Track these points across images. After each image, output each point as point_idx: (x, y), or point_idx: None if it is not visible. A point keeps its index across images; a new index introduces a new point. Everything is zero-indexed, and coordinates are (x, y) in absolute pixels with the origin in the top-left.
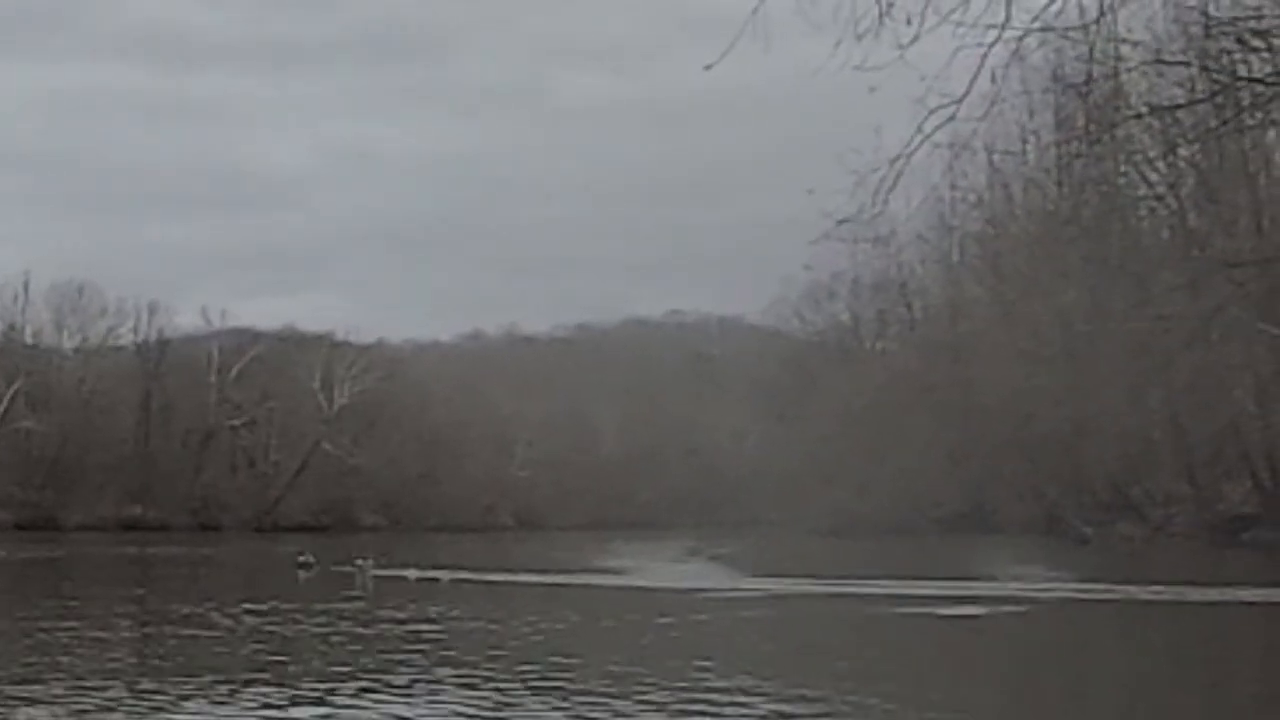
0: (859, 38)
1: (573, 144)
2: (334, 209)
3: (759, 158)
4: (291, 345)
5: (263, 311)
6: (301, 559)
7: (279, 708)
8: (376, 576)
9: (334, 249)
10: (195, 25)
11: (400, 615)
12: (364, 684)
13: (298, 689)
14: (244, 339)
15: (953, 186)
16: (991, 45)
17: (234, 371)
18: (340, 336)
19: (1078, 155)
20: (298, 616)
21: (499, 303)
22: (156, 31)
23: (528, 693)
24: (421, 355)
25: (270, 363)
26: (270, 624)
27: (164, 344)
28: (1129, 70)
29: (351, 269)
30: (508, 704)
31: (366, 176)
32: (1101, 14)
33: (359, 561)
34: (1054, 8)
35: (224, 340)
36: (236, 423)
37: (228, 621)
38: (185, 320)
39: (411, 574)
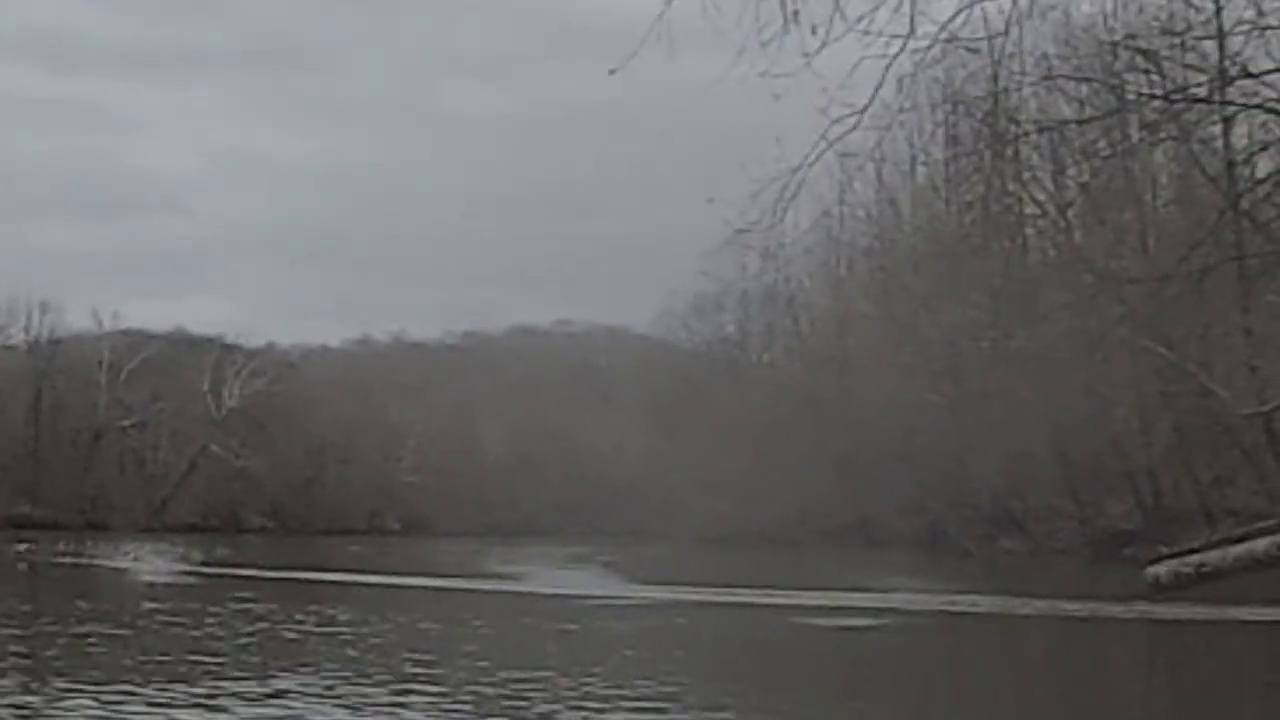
0: (764, 44)
1: (461, 154)
2: (224, 214)
3: (648, 169)
4: (182, 347)
5: (153, 314)
6: (22, 550)
7: None
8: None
9: (224, 253)
10: (85, 29)
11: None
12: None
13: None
14: (135, 340)
15: (841, 201)
16: (895, 56)
17: (124, 372)
18: (230, 340)
19: (975, 171)
20: None
21: (387, 309)
22: (46, 34)
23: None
24: (310, 360)
25: (160, 364)
26: None
27: (55, 344)
28: (1031, 84)
29: (241, 273)
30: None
31: (255, 183)
32: (1007, 29)
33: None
34: (957, 21)
35: (115, 341)
36: (126, 423)
37: None
38: (76, 321)
39: None
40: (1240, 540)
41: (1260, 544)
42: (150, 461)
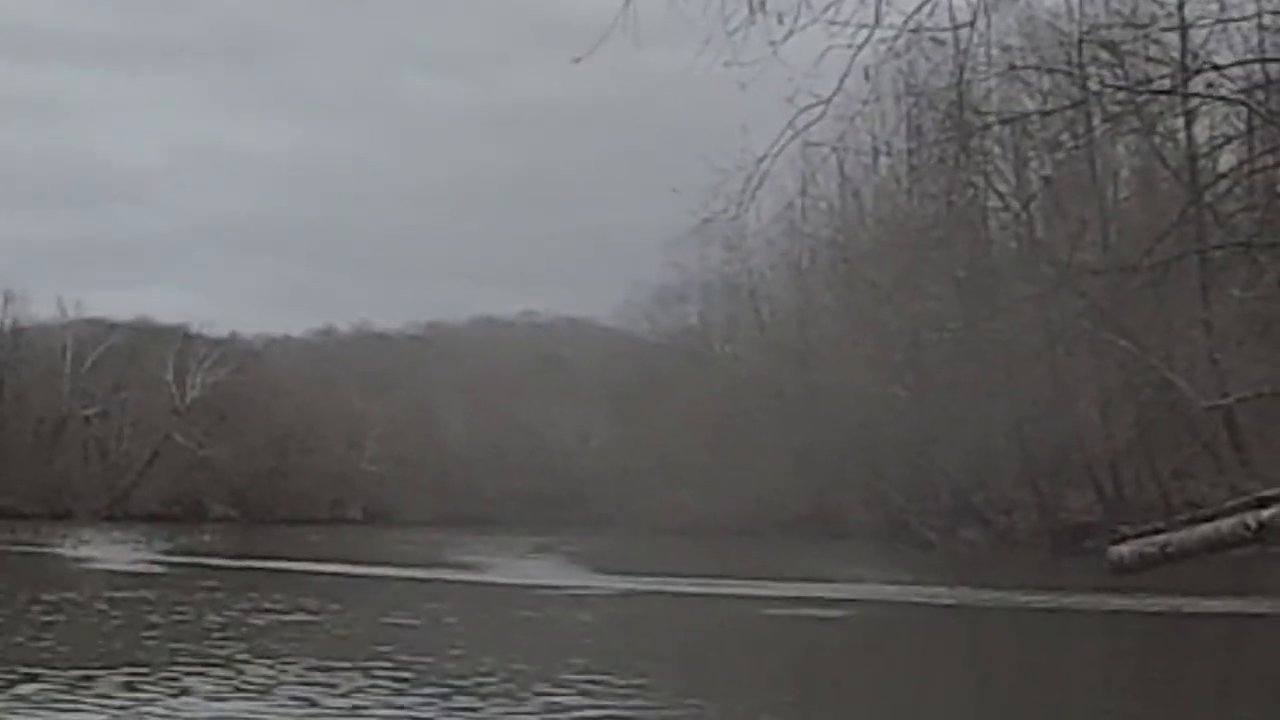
0: (730, 34)
1: (426, 147)
2: (188, 205)
3: (613, 162)
4: (145, 337)
5: (118, 303)
6: None
7: None
8: None
9: (188, 243)
10: (52, 20)
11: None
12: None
13: None
14: (99, 329)
15: (803, 193)
16: (862, 46)
17: (88, 361)
18: (194, 329)
19: (939, 163)
20: None
21: (351, 299)
22: (12, 25)
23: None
24: (273, 350)
25: (124, 353)
26: None
27: (19, 333)
28: (997, 75)
29: (205, 263)
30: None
31: (220, 174)
32: (974, 19)
33: None
34: (922, 11)
35: (79, 330)
36: (90, 412)
37: None
38: (40, 310)
39: None
40: (1207, 520)
41: (1226, 524)
42: (113, 450)
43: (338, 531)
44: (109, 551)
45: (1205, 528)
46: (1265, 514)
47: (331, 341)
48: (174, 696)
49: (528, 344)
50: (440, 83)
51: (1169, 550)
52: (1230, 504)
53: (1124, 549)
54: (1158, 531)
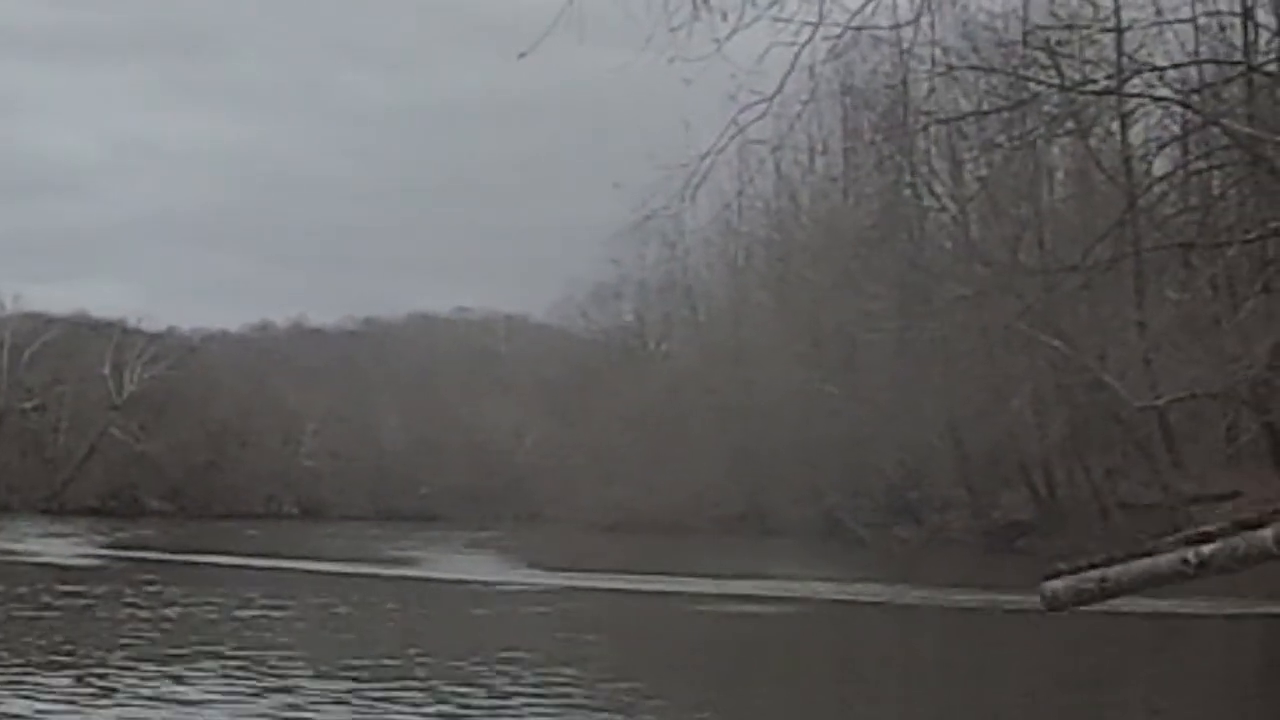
0: (673, 31)
1: (363, 142)
2: (125, 199)
3: (551, 159)
4: (83, 331)
5: (55, 297)
6: None
7: None
8: None
9: (125, 238)
10: None
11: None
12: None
13: None
14: (36, 323)
15: (740, 192)
16: (805, 44)
17: (26, 355)
18: (132, 324)
19: (877, 166)
20: None
21: (287, 295)
22: None
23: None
24: (210, 344)
25: (62, 348)
26: None
27: None
28: (938, 75)
29: (142, 258)
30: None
31: (156, 168)
32: (916, 18)
33: None
34: (865, 10)
35: (16, 324)
36: (27, 406)
37: None
38: None
39: None
40: (1146, 555)
41: (1165, 559)
42: (50, 445)
43: (274, 526)
44: (47, 545)
45: (1144, 562)
46: (1206, 550)
47: (268, 336)
48: (136, 692)
49: (464, 340)
50: (378, 78)
51: (1105, 585)
52: (1170, 539)
53: (1058, 584)
54: (1093, 567)
